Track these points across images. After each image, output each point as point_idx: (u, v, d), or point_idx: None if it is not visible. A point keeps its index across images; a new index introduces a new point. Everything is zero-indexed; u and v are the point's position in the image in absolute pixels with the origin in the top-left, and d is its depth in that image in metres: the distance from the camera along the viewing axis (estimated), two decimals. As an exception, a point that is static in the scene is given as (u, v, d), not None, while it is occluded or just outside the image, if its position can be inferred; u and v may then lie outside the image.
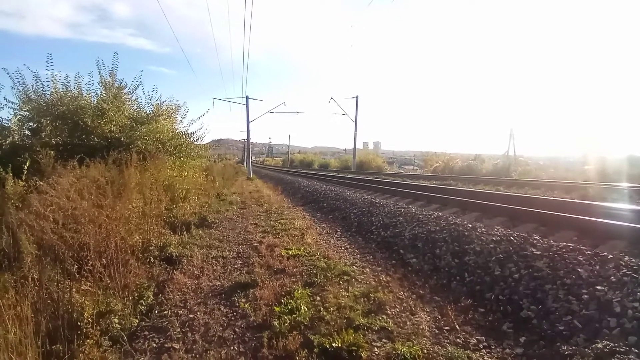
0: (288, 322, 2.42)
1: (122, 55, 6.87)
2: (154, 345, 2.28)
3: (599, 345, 1.89)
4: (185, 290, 3.14)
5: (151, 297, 2.90)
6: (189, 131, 8.63)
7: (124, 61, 6.97)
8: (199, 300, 2.93)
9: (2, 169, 3.84)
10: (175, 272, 3.48)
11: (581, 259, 2.76)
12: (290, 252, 4.14)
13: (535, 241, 3.29)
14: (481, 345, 2.21)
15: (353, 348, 2.08)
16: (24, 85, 6.04)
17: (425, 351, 2.12)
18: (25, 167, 4.05)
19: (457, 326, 2.43)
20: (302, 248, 4.30)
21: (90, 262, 2.75)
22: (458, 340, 2.27)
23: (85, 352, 2.04)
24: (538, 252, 3.03)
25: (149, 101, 7.65)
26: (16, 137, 6.08)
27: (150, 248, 3.84)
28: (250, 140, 29.39)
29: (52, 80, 6.26)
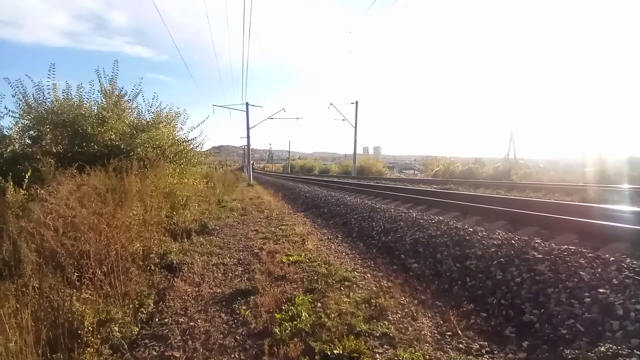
0: (289, 329, 2.41)
1: (120, 63, 6.92)
2: (155, 353, 2.26)
3: (602, 349, 1.87)
4: (186, 297, 3.13)
5: (152, 305, 2.88)
6: (189, 138, 8.69)
7: (122, 69, 7.03)
8: (199, 308, 2.92)
9: (2, 178, 3.85)
10: (175, 280, 3.47)
11: (583, 261, 2.74)
12: (291, 258, 4.13)
13: (536, 244, 3.28)
14: (484, 351, 2.19)
15: (354, 355, 2.07)
16: (24, 94, 6.09)
17: (428, 357, 2.10)
18: (27, 176, 4.06)
19: (459, 331, 2.41)
20: (303, 254, 4.29)
21: (91, 270, 2.75)
22: (460, 345, 2.25)
23: (86, 360, 2.03)
24: (540, 256, 3.01)
25: (149, 108, 7.71)
26: (17, 145, 6.12)
27: (151, 256, 3.83)
28: (251, 147, 29.49)
29: (52, 89, 6.32)
